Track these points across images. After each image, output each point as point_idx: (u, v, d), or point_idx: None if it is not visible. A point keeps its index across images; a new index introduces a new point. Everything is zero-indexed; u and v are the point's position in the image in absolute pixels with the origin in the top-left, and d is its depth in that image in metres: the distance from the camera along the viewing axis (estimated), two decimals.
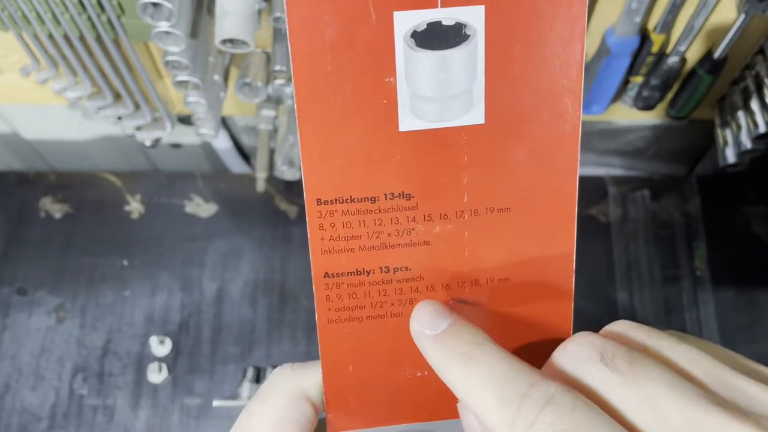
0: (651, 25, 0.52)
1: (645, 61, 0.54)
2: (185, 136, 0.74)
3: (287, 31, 0.19)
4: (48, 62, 0.54)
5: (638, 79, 0.57)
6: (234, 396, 0.60)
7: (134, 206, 0.68)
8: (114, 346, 0.62)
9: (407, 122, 0.21)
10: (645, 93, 0.57)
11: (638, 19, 0.50)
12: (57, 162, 0.79)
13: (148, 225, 0.67)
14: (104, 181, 0.69)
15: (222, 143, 0.73)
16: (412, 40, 0.19)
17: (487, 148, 0.21)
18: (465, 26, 0.19)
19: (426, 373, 0.24)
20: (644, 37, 0.53)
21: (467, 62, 0.20)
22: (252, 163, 0.78)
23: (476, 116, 0.21)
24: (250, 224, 0.67)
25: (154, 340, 0.62)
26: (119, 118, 0.60)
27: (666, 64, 0.54)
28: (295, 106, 0.20)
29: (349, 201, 0.21)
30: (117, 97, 0.58)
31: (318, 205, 0.21)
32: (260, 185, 0.65)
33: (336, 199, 0.21)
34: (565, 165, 0.21)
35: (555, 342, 0.23)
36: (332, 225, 0.21)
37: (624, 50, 0.53)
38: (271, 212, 0.67)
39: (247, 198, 0.68)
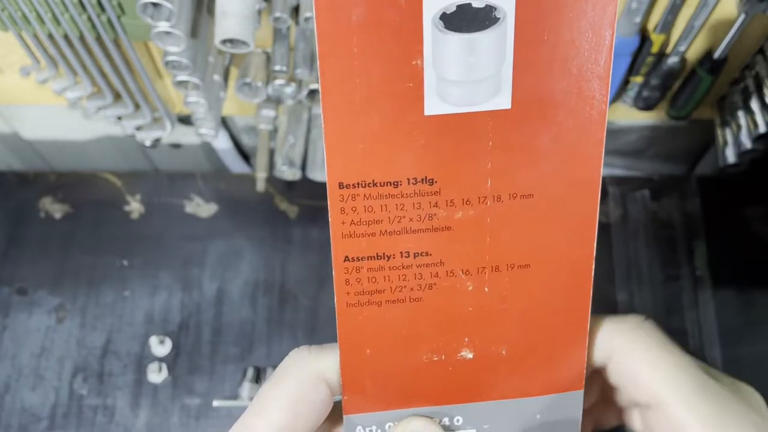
0: (651, 25, 0.52)
1: (645, 61, 0.54)
2: (185, 136, 0.74)
3: (314, 11, 0.19)
4: (48, 62, 0.54)
5: (638, 79, 0.57)
6: (234, 396, 0.60)
7: (134, 206, 0.68)
8: (114, 346, 0.62)
9: (433, 106, 0.20)
10: (645, 93, 0.57)
11: (638, 19, 0.50)
12: (57, 162, 0.79)
13: (148, 225, 0.67)
14: (104, 181, 0.69)
15: (222, 143, 0.73)
16: (441, 22, 0.19)
17: (512, 134, 0.21)
18: (495, 9, 0.19)
19: (443, 357, 0.23)
20: (644, 37, 0.53)
21: (496, 45, 0.20)
22: (252, 163, 0.78)
23: (503, 101, 0.20)
24: (250, 224, 0.67)
25: (154, 340, 0.62)
26: (119, 118, 0.60)
27: (666, 64, 0.54)
28: (320, 88, 0.20)
29: (371, 185, 0.21)
30: (117, 97, 0.58)
31: (340, 188, 0.21)
32: (260, 185, 0.65)
33: (358, 183, 0.21)
34: (591, 152, 0.21)
35: (574, 328, 0.23)
36: (353, 209, 0.21)
37: (624, 50, 0.53)
38: (271, 212, 0.67)
39: (247, 198, 0.68)
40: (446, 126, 0.20)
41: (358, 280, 0.22)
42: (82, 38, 0.50)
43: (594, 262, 0.23)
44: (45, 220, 0.67)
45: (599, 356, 0.24)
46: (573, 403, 0.24)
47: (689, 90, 0.57)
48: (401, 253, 0.22)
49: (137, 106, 0.59)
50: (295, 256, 0.66)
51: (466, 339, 0.23)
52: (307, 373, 0.23)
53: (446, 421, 0.24)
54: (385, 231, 0.22)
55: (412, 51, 0.19)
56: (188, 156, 0.78)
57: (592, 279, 0.23)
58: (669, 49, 0.54)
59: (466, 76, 0.20)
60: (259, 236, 0.66)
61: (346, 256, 0.22)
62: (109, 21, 0.47)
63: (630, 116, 0.64)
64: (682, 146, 0.75)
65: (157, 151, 0.78)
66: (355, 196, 0.21)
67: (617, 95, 0.60)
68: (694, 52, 0.54)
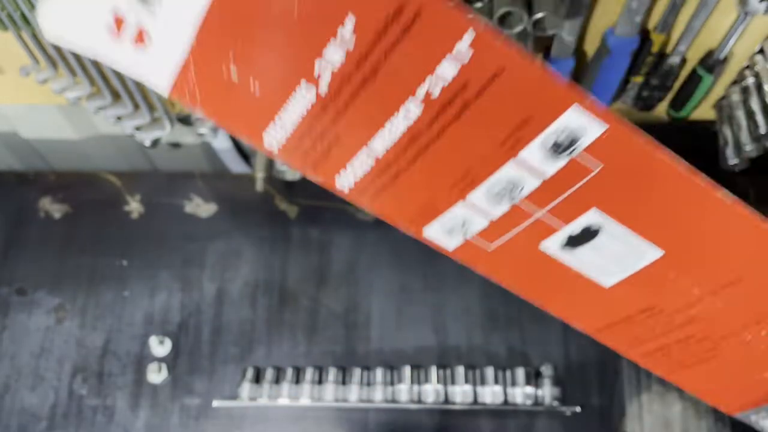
0: (651, 25, 0.52)
1: (645, 61, 0.54)
2: (185, 135, 0.74)
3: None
4: (47, 62, 0.54)
5: (638, 79, 0.56)
6: (234, 396, 0.60)
7: (134, 206, 0.68)
8: (114, 346, 0.62)
9: (608, 281, 0.25)
10: (645, 93, 0.57)
11: (638, 19, 0.50)
12: (57, 162, 0.79)
13: (148, 225, 0.67)
14: (104, 181, 0.69)
15: (221, 143, 0.73)
16: (567, 246, 0.24)
17: (682, 265, 0.24)
18: (591, 225, 0.24)
19: None
20: (644, 37, 0.53)
21: (613, 237, 0.24)
22: (252, 163, 0.78)
23: (653, 254, 0.24)
24: (250, 224, 0.67)
25: (153, 341, 0.62)
26: (119, 118, 0.60)
27: (666, 64, 0.54)
28: None
29: (611, 324, 0.26)
30: (116, 97, 0.58)
31: (598, 332, 0.27)
32: (259, 185, 0.65)
33: (601, 327, 0.26)
34: None
35: None
36: (615, 333, 0.27)
37: (624, 50, 0.53)
38: (271, 212, 0.67)
39: (247, 198, 0.68)
40: (630, 284, 0.25)
41: (658, 359, 0.27)
42: None
43: None
44: (45, 220, 0.67)
45: None
46: None
47: (689, 90, 0.57)
48: (677, 341, 0.26)
49: (136, 106, 0.59)
50: (294, 256, 0.66)
51: None
52: None
53: None
54: (648, 337, 0.26)
55: (562, 269, 0.25)
56: (188, 156, 0.78)
57: None
58: (669, 49, 0.54)
59: (611, 262, 0.24)
60: (259, 236, 0.66)
61: (633, 347, 0.27)
62: None
63: (630, 116, 0.64)
64: (682, 146, 0.75)
65: (156, 151, 0.77)
66: (612, 330, 0.26)
67: (617, 95, 0.60)
68: (694, 52, 0.54)
